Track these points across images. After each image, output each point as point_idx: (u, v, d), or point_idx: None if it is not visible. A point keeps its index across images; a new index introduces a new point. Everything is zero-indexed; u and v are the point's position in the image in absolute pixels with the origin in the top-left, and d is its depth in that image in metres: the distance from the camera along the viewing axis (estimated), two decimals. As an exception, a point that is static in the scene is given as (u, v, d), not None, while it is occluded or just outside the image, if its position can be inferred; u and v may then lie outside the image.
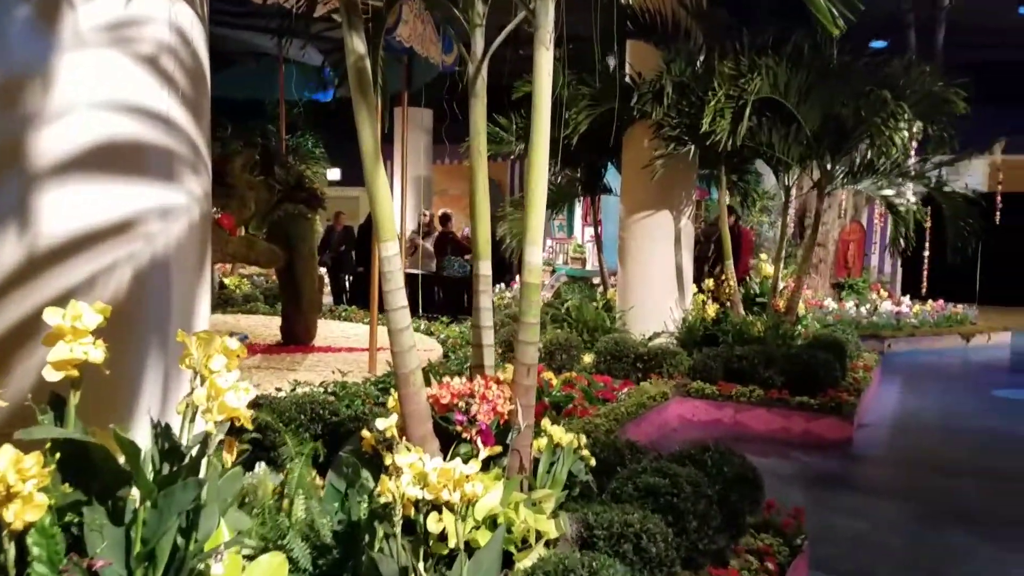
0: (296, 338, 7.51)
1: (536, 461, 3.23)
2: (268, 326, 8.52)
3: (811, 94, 7.08)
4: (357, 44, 2.97)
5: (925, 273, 13.63)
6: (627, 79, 7.98)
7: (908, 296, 13.39)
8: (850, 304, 12.67)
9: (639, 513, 3.08)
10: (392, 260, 3.03)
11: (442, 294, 10.29)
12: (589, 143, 8.34)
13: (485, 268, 3.36)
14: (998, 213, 11.60)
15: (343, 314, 9.82)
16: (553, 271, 13.77)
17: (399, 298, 3.03)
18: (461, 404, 3.07)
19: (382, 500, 2.50)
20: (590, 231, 15.83)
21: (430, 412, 3.07)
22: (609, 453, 3.92)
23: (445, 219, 12.15)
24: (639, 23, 7.73)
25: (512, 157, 10.65)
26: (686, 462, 3.81)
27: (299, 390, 5.21)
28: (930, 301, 13.00)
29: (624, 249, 8.85)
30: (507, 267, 14.01)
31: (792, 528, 3.91)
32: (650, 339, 8.12)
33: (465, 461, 3.00)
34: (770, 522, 3.94)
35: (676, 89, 7.41)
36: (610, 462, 3.84)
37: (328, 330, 8.52)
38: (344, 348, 7.58)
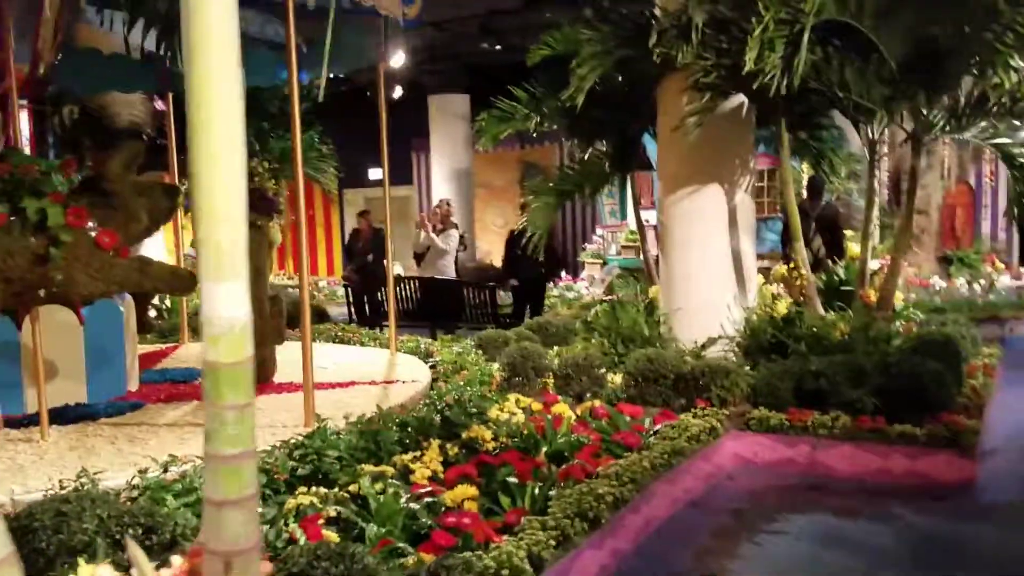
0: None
1: None
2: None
3: (893, 11, 5.19)
4: None
5: (1052, 236, 11.48)
6: (645, 15, 6.22)
7: (1029, 266, 11.32)
8: (961, 281, 10.82)
9: None
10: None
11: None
12: (612, 106, 6.65)
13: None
14: None
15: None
16: (604, 263, 12.10)
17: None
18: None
19: None
20: (647, 214, 14.04)
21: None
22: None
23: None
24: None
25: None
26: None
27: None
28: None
29: (666, 236, 7.11)
30: (558, 260, 12.39)
31: None
32: (702, 348, 6.40)
33: None
34: None
35: (710, 22, 5.61)
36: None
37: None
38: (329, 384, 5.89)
